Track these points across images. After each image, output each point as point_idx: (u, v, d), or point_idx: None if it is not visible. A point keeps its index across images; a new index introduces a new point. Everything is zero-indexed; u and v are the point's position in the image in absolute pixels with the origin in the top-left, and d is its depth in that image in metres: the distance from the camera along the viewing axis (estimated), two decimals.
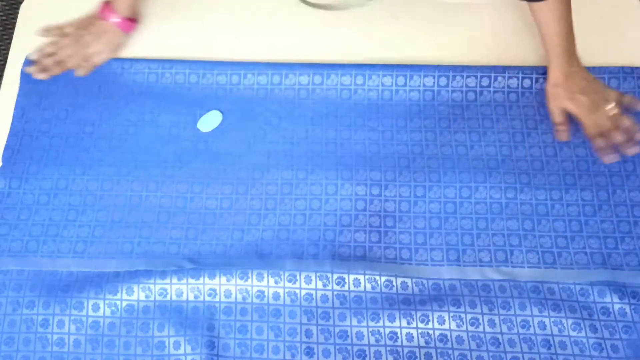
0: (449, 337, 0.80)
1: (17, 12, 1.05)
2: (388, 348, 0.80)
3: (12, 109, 0.96)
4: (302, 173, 0.90)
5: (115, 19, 0.97)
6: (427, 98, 0.95)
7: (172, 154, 0.92)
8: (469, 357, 0.79)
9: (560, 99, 0.92)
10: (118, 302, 0.82)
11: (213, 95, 0.96)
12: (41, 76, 0.96)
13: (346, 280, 0.83)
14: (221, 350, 0.80)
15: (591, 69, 0.95)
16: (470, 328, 0.80)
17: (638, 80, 0.95)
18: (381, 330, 0.80)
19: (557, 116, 0.92)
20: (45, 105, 0.96)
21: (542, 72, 0.95)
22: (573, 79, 0.92)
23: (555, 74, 0.92)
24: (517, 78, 0.95)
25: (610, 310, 0.81)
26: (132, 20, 0.99)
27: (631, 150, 0.88)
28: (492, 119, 0.94)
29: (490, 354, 0.79)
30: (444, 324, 0.80)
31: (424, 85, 0.95)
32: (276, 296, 0.82)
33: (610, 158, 0.89)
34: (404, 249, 0.85)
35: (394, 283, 0.83)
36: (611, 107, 0.90)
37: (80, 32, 0.98)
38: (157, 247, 0.86)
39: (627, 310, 0.81)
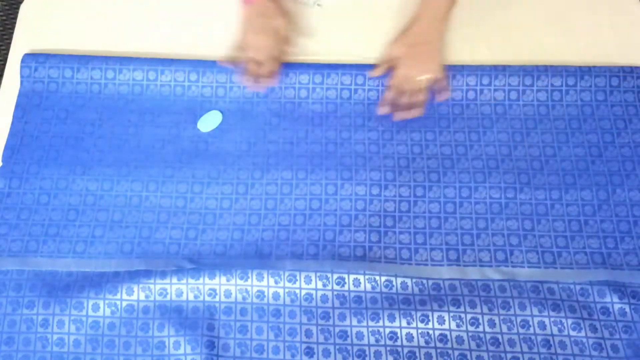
0: (448, 337, 0.80)
1: (17, 12, 1.04)
2: (388, 348, 0.80)
3: (12, 109, 0.96)
4: (302, 173, 0.90)
5: None
6: None
7: (172, 154, 0.92)
8: (469, 357, 0.79)
9: (401, 41, 0.94)
10: (118, 302, 0.82)
11: (213, 94, 0.96)
12: (270, 82, 0.94)
13: (346, 280, 0.83)
14: (221, 350, 0.80)
15: (591, 69, 0.95)
16: (470, 328, 0.80)
17: (638, 80, 0.95)
18: (381, 330, 0.80)
19: (385, 54, 0.96)
20: (46, 105, 0.96)
21: (544, 70, 0.95)
22: (423, 36, 0.94)
23: (414, 24, 0.94)
24: (518, 76, 0.95)
25: (610, 310, 0.81)
26: None
27: (398, 115, 0.93)
28: (492, 118, 0.94)
29: (490, 354, 0.79)
30: (444, 324, 0.80)
31: None
32: (276, 296, 0.82)
33: (384, 109, 0.93)
34: (404, 249, 0.85)
35: (394, 283, 0.83)
36: (426, 79, 0.93)
37: (259, 24, 0.95)
38: (157, 247, 0.86)
39: (627, 310, 0.81)
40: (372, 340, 0.80)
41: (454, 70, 0.95)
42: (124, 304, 0.82)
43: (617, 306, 0.81)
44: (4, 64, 1.00)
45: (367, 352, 0.80)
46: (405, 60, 0.93)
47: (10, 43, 1.01)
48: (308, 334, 0.81)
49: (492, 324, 0.80)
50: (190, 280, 0.82)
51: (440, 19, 0.93)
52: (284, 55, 0.97)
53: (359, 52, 1.00)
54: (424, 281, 0.83)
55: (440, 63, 0.93)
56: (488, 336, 0.80)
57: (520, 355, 0.79)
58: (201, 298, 0.82)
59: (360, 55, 0.99)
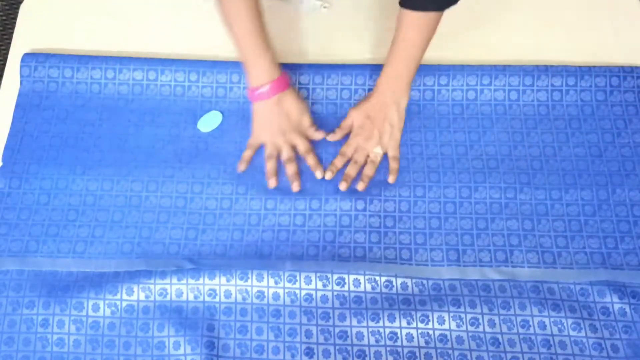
0: (449, 337, 0.80)
1: (17, 12, 1.04)
2: (388, 348, 0.80)
3: (12, 109, 0.96)
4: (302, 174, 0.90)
5: (264, 88, 0.89)
6: (427, 97, 0.95)
7: (172, 154, 0.92)
8: (469, 357, 0.79)
9: (358, 110, 0.93)
10: (118, 302, 0.82)
11: (213, 94, 0.96)
12: (295, 186, 0.90)
13: (346, 280, 0.83)
14: (221, 351, 0.80)
15: (591, 69, 0.95)
16: (470, 328, 0.80)
17: (638, 80, 0.95)
18: (381, 330, 0.80)
19: (345, 120, 0.94)
20: (46, 105, 0.95)
21: (544, 70, 0.95)
22: (380, 106, 0.91)
23: (375, 92, 0.92)
24: (519, 76, 0.95)
25: (610, 310, 0.81)
26: (282, 75, 0.91)
27: (342, 184, 0.89)
28: (492, 118, 0.94)
29: (490, 354, 0.79)
30: (444, 324, 0.80)
31: (425, 85, 0.95)
32: (276, 296, 0.82)
33: (343, 185, 0.89)
34: (404, 249, 0.85)
35: (394, 283, 0.83)
36: (377, 153, 0.91)
37: (280, 128, 0.92)
38: (157, 247, 0.86)
39: (627, 310, 0.81)
40: (372, 340, 0.80)
41: (454, 70, 0.95)
42: (124, 304, 0.82)
43: (617, 306, 0.81)
44: (4, 64, 1.00)
45: (367, 353, 0.79)
46: (359, 130, 0.92)
47: (10, 43, 1.01)
48: (308, 334, 0.81)
49: (492, 324, 0.80)
50: (190, 281, 0.82)
51: (401, 88, 0.91)
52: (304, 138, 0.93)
53: (359, 52, 1.00)
54: (424, 281, 0.83)
55: (395, 140, 0.92)
56: (488, 336, 0.80)
57: (520, 355, 0.79)
58: (201, 298, 0.82)
59: (361, 55, 0.99)
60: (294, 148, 0.92)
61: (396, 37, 0.89)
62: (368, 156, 0.92)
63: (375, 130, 0.91)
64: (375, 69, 0.95)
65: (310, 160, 0.91)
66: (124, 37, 1.02)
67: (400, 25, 0.87)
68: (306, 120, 0.93)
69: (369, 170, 0.90)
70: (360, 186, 0.89)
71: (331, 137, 0.93)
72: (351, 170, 0.90)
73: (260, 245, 0.86)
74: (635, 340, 0.79)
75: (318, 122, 0.94)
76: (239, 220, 0.88)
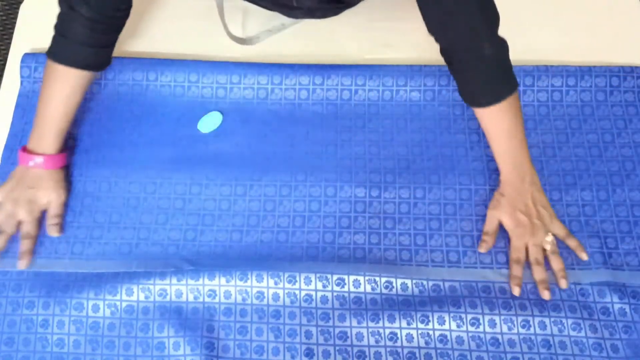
0: (449, 338, 0.80)
1: (17, 12, 1.05)
2: (388, 349, 0.80)
3: (12, 109, 0.96)
4: (301, 175, 0.90)
5: (37, 160, 0.86)
6: (427, 98, 0.95)
7: (170, 155, 0.92)
8: (469, 357, 0.79)
9: (500, 210, 0.85)
10: (118, 303, 0.82)
11: (213, 95, 0.96)
12: (22, 264, 0.84)
13: (346, 281, 0.83)
14: (221, 352, 0.80)
15: (591, 69, 0.95)
16: (470, 328, 0.80)
17: (638, 80, 0.95)
18: (381, 331, 0.80)
19: (488, 225, 0.86)
20: None
21: (544, 70, 0.95)
22: (521, 195, 0.85)
23: (505, 187, 0.86)
24: (519, 77, 0.94)
25: (610, 310, 0.81)
26: (60, 154, 0.88)
27: (545, 293, 0.81)
28: None
29: (490, 354, 0.79)
30: (444, 324, 0.80)
31: (425, 85, 0.95)
32: (276, 297, 0.82)
33: (517, 290, 0.82)
34: (404, 250, 0.85)
35: (394, 284, 0.83)
36: (549, 240, 0.84)
37: (15, 195, 0.86)
38: (156, 248, 0.86)
39: (627, 310, 0.81)
40: (372, 341, 0.80)
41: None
42: (124, 304, 0.82)
43: (617, 306, 0.81)
44: (4, 64, 1.00)
45: (367, 353, 0.79)
46: (520, 230, 0.84)
47: (10, 43, 1.01)
48: (308, 335, 0.81)
49: (492, 324, 0.80)
50: (190, 281, 0.82)
51: (525, 171, 0.85)
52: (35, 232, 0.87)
53: (359, 52, 1.00)
54: (424, 282, 0.83)
55: (556, 218, 0.85)
56: (488, 336, 0.80)
57: (520, 356, 0.79)
58: (201, 299, 0.82)
59: (361, 55, 0.99)
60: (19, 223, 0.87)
61: (487, 133, 0.87)
62: (544, 251, 0.84)
63: (535, 220, 0.84)
64: (376, 69, 0.96)
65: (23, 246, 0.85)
66: (124, 37, 1.01)
67: (481, 121, 0.87)
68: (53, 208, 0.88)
69: (558, 264, 0.83)
70: (563, 284, 0.82)
71: (483, 248, 0.85)
72: (543, 275, 0.82)
73: (259, 246, 0.86)
74: (635, 340, 0.79)
75: (318, 122, 0.94)
76: (238, 222, 0.88)
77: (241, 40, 1.00)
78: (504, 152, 0.86)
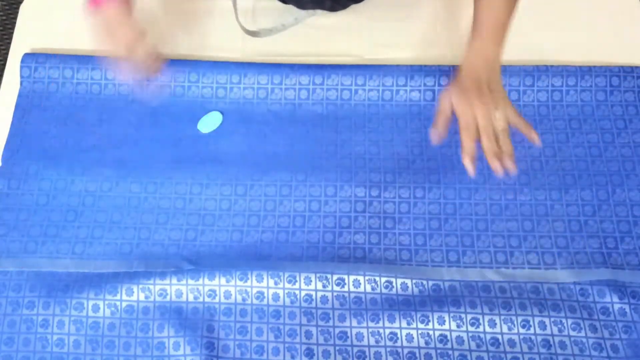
0: (449, 338, 0.80)
1: (17, 12, 1.04)
2: (388, 349, 0.80)
3: (12, 109, 0.96)
4: (302, 175, 0.90)
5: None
6: (427, 98, 0.95)
7: (171, 155, 0.92)
8: (469, 357, 0.79)
9: (450, 87, 0.81)
10: (118, 303, 0.82)
11: (213, 95, 0.96)
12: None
13: (346, 281, 0.83)
14: (221, 352, 0.80)
15: (591, 69, 0.95)
16: (470, 328, 0.80)
17: (638, 79, 0.95)
18: (381, 331, 0.80)
19: (441, 103, 0.80)
20: (46, 106, 0.96)
21: (544, 70, 0.95)
22: (476, 73, 0.79)
23: (472, 57, 0.81)
24: (519, 77, 0.95)
25: (610, 310, 0.81)
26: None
27: (494, 163, 0.75)
28: None
29: (490, 354, 0.79)
30: (444, 324, 0.80)
31: (425, 85, 0.95)
32: (276, 297, 0.82)
33: (470, 167, 0.76)
34: (404, 250, 0.85)
35: (394, 284, 0.83)
36: (498, 117, 0.77)
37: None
38: (156, 248, 0.86)
39: (627, 310, 0.81)
40: (372, 341, 0.80)
41: (454, 71, 0.95)
42: (124, 304, 0.82)
43: (617, 306, 0.81)
44: (4, 64, 1.00)
45: (367, 353, 0.80)
46: (467, 95, 0.78)
47: (10, 43, 1.01)
48: (308, 335, 0.81)
49: (492, 324, 0.80)
50: (190, 281, 0.82)
51: (493, 58, 0.81)
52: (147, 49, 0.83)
53: (359, 52, 1.00)
54: (424, 282, 0.83)
55: (508, 101, 0.79)
56: (488, 336, 0.80)
57: (520, 355, 0.79)
58: (201, 299, 0.82)
59: (361, 55, 0.99)
60: None
61: (477, 4, 0.83)
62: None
63: (485, 88, 0.77)
64: (376, 69, 0.96)
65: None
66: None
67: None
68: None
69: (508, 145, 0.76)
70: (512, 167, 0.75)
71: (434, 132, 0.79)
72: (493, 145, 0.75)
73: (259, 246, 0.86)
74: (635, 340, 0.79)
75: (318, 122, 0.94)
76: (239, 221, 0.88)
77: (253, 33, 1.00)
78: (485, 19, 0.81)
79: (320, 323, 0.81)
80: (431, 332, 0.80)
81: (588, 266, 0.84)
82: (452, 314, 0.80)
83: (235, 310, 0.82)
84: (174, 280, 0.82)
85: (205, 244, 0.86)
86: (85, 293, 0.82)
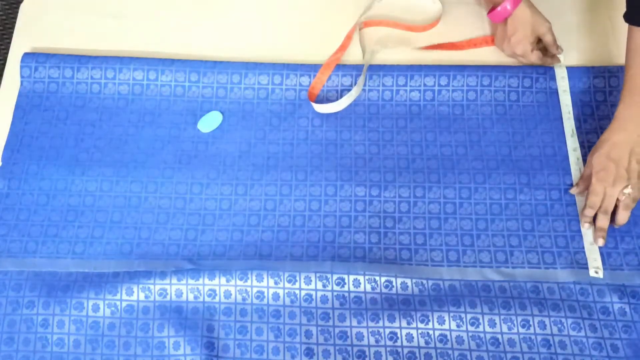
0: (448, 337, 0.80)
1: (17, 12, 1.04)
2: (388, 348, 0.80)
3: (12, 109, 0.96)
4: (302, 174, 0.90)
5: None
6: (427, 98, 0.95)
7: (171, 155, 0.92)
8: (468, 357, 0.79)
9: (595, 151, 0.85)
10: (118, 303, 0.82)
11: (213, 94, 0.96)
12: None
13: (346, 280, 0.83)
14: (221, 351, 0.80)
15: (590, 69, 0.95)
16: (470, 328, 0.80)
17: None
18: (381, 330, 0.80)
19: (587, 169, 0.87)
20: (46, 105, 0.96)
21: (543, 71, 0.95)
22: (629, 139, 0.83)
23: (623, 121, 0.84)
24: (518, 77, 0.95)
25: (610, 309, 0.81)
26: None
27: (599, 240, 0.84)
28: (492, 118, 0.94)
29: (490, 354, 0.79)
30: (444, 324, 0.80)
31: (425, 85, 0.95)
32: (276, 297, 0.82)
33: (601, 242, 0.84)
34: (404, 249, 0.85)
35: (394, 283, 0.83)
36: (627, 193, 0.83)
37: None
38: (156, 248, 0.86)
39: (627, 309, 0.81)
40: (372, 340, 0.80)
41: (454, 71, 0.95)
42: (124, 304, 0.82)
43: (617, 306, 0.81)
44: (4, 64, 1.00)
45: (367, 353, 0.80)
46: (602, 174, 0.83)
47: (10, 43, 1.01)
48: (308, 334, 0.81)
49: (492, 323, 0.80)
50: (190, 281, 0.82)
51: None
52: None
53: (359, 52, 1.00)
54: (424, 282, 0.83)
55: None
56: (488, 336, 0.80)
57: (520, 355, 0.79)
58: (201, 299, 0.82)
59: (361, 56, 0.99)
60: None
61: (630, 59, 0.85)
62: (618, 200, 0.84)
63: (622, 170, 0.82)
64: (376, 69, 0.96)
65: None
66: (124, 37, 1.02)
67: (632, 44, 0.84)
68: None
69: (622, 218, 0.84)
70: (600, 242, 0.84)
71: (574, 190, 0.88)
72: (603, 222, 0.84)
73: (259, 246, 0.86)
74: (635, 340, 0.79)
75: (319, 123, 0.94)
76: (239, 221, 0.88)
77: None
78: (637, 86, 0.83)
79: (320, 323, 0.81)
80: (431, 332, 0.80)
81: (588, 266, 0.84)
82: (452, 314, 0.81)
83: (235, 310, 0.82)
84: (174, 280, 0.82)
85: (206, 244, 0.86)
86: (85, 293, 0.82)
